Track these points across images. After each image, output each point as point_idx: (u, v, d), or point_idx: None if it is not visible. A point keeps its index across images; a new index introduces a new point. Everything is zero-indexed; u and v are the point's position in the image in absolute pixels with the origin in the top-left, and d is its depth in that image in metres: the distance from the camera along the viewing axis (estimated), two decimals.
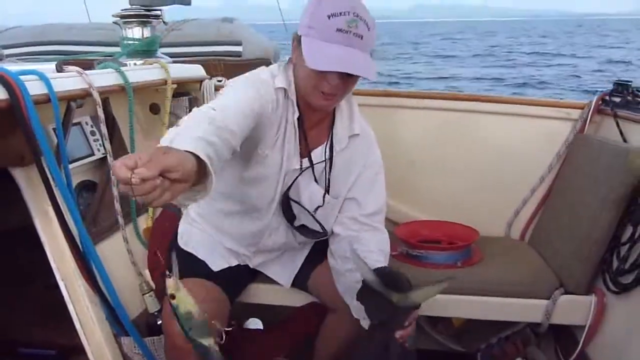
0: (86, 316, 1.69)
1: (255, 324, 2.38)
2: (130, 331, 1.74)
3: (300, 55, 1.37)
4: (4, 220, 2.23)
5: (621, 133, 2.02)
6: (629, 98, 2.11)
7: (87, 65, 1.87)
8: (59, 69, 1.60)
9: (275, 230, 1.68)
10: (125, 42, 2.26)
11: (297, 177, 1.58)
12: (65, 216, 1.60)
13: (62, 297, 1.67)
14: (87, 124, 1.86)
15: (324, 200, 1.62)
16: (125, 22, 2.24)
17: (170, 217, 2.04)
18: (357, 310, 1.54)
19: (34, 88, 1.42)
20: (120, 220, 1.83)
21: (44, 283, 1.77)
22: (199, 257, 1.74)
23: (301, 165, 1.57)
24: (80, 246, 1.63)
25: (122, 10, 2.25)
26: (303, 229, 1.66)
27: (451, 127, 2.41)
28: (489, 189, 2.39)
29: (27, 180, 1.59)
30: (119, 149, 1.94)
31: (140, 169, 0.81)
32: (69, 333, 1.71)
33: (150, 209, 2.14)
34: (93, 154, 1.87)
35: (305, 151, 1.57)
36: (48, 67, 1.59)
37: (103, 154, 1.88)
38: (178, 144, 0.97)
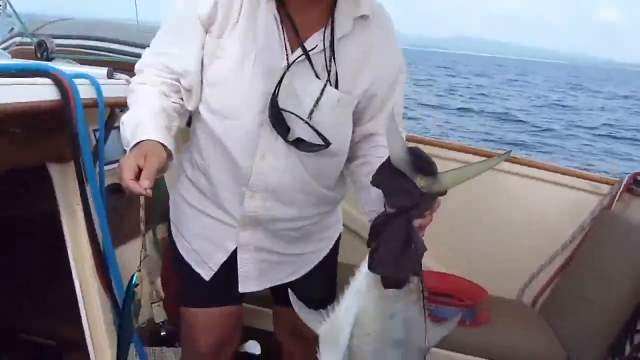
0: (94, 316, 1.72)
1: (252, 347, 2.35)
2: (134, 339, 1.76)
3: None
4: (27, 207, 2.28)
5: None
6: None
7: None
8: (110, 75, 1.65)
9: (270, 151, 1.36)
10: None
11: (283, 75, 1.29)
12: (93, 216, 1.64)
13: (71, 291, 1.69)
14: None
15: (321, 93, 1.31)
16: None
17: None
18: (369, 201, 1.33)
19: (85, 92, 1.47)
20: (143, 227, 1.86)
21: (56, 275, 1.80)
22: (191, 263, 1.60)
23: (288, 60, 1.30)
24: (101, 247, 1.67)
25: None
26: (299, 143, 1.33)
27: (478, 182, 2.41)
28: (507, 250, 2.39)
29: (61, 177, 1.63)
30: None
31: (147, 184, 1.14)
32: (72, 328, 1.73)
33: None
34: None
35: (294, 42, 1.31)
36: (100, 72, 1.64)
37: None
38: (150, 135, 1.24)
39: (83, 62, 2.81)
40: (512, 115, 20.35)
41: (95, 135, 1.69)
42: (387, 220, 1.13)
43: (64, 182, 1.64)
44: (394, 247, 1.10)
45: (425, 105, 20.67)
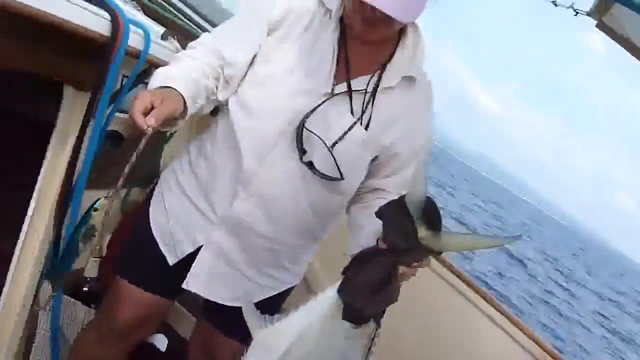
0: (34, 241, 1.68)
1: (159, 341, 2.31)
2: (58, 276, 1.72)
3: None
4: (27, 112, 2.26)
5: None
6: None
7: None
8: (164, 37, 1.68)
9: (281, 163, 1.39)
10: None
11: (324, 101, 1.35)
12: (81, 151, 1.64)
13: (23, 207, 1.66)
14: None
15: (349, 128, 1.36)
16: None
17: None
18: (361, 237, 1.34)
19: (134, 40, 1.50)
20: (121, 182, 1.85)
21: (19, 186, 1.76)
22: (159, 241, 1.58)
23: (332, 90, 1.36)
24: (73, 182, 1.65)
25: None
26: (311, 166, 1.37)
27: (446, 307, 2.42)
28: None
29: (72, 102, 1.63)
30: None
31: (152, 122, 1.16)
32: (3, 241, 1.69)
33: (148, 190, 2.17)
34: None
35: (342, 75, 1.38)
36: (157, 30, 1.67)
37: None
38: (176, 85, 1.29)
39: (150, 13, 2.87)
40: None
41: (122, 81, 1.70)
42: (375, 254, 1.14)
43: (72, 107, 1.64)
44: (372, 281, 1.11)
45: None
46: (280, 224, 1.45)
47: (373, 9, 1.23)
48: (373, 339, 1.15)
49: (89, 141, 1.64)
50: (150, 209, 1.62)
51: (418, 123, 1.45)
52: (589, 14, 2.07)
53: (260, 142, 1.39)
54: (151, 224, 1.60)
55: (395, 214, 1.12)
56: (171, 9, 4.10)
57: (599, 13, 2.02)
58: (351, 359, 1.14)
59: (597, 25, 2.08)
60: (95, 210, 1.50)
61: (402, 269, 1.12)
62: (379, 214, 1.16)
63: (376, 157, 1.44)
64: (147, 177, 2.17)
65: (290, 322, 1.19)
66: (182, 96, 1.27)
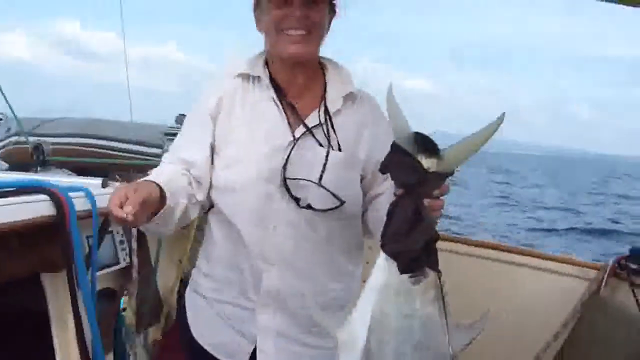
0: None
1: None
2: None
3: (260, 13, 1.45)
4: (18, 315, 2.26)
5: (638, 303, 2.03)
6: None
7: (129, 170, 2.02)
8: (104, 185, 1.72)
9: (281, 221, 1.43)
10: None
11: (292, 149, 1.42)
12: (83, 324, 1.65)
13: None
14: (118, 232, 1.95)
15: (326, 158, 1.42)
16: (168, 139, 2.42)
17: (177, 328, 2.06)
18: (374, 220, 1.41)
19: (80, 204, 1.53)
20: (133, 337, 1.86)
21: None
22: (220, 356, 1.56)
23: (294, 136, 1.44)
24: (90, 354, 1.66)
25: (168, 127, 2.44)
26: (311, 207, 1.41)
27: (467, 273, 2.45)
28: (501, 340, 2.36)
29: (53, 285, 1.65)
30: (145, 261, 2.01)
31: (129, 209, 1.16)
32: None
33: (163, 320, 2.17)
34: (118, 263, 1.94)
35: (295, 121, 1.46)
36: (95, 183, 1.71)
37: (127, 263, 1.95)
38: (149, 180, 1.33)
39: (79, 167, 2.92)
40: None
41: (89, 241, 1.73)
42: (397, 201, 1.13)
43: (55, 290, 1.65)
44: (402, 223, 1.10)
45: None
46: (312, 275, 1.47)
47: (292, 15, 1.36)
48: (441, 288, 1.13)
49: (87, 312, 1.65)
50: (194, 334, 1.60)
51: (379, 127, 1.51)
52: None
53: (253, 212, 1.43)
54: (204, 346, 1.57)
55: (395, 159, 1.13)
56: (97, 149, 4.16)
57: None
58: (430, 318, 1.12)
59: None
60: (124, 310, 1.68)
61: (426, 201, 1.12)
62: (382, 168, 1.17)
63: (363, 176, 1.50)
64: (155, 311, 2.19)
65: (360, 308, 1.15)
66: (156, 183, 1.32)
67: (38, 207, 1.40)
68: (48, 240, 1.51)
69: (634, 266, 2.19)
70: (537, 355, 2.33)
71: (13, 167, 2.67)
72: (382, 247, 1.13)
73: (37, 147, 2.84)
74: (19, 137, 3.70)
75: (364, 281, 1.62)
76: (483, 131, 1.11)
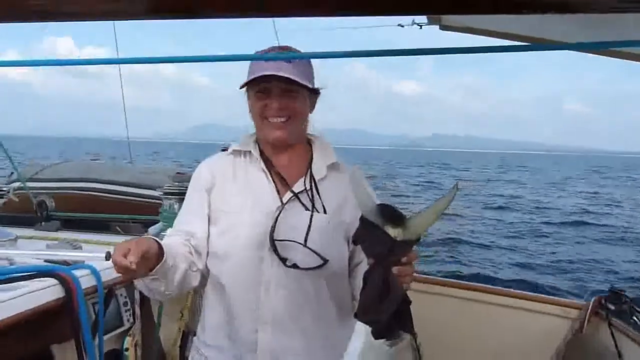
0: None
1: None
2: None
3: (249, 101, 1.58)
4: None
5: (616, 345, 2.13)
6: (625, 307, 2.25)
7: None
8: (108, 257, 1.83)
9: (273, 282, 1.54)
10: (164, 213, 2.54)
11: (279, 213, 1.54)
12: None
13: None
14: (122, 295, 2.06)
15: (310, 220, 1.54)
16: (165, 197, 2.53)
17: None
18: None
19: (86, 281, 1.65)
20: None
21: None
22: None
23: (281, 201, 1.56)
24: None
25: (166, 186, 2.55)
26: (296, 267, 1.52)
27: (455, 313, 2.56)
28: None
29: (62, 356, 1.75)
30: (148, 322, 2.12)
31: (132, 258, 1.28)
32: None
33: None
34: (122, 325, 2.04)
35: (283, 188, 1.59)
36: (99, 255, 1.82)
37: (131, 323, 2.06)
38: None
39: (84, 225, 3.02)
40: None
41: (94, 308, 1.84)
42: (368, 272, 1.21)
43: (64, 358, 1.76)
44: (373, 293, 1.18)
45: None
46: (307, 332, 1.57)
47: (271, 106, 1.51)
48: (417, 349, 1.22)
49: None
50: None
51: (362, 191, 1.64)
52: (429, 24, 2.28)
53: (247, 275, 1.54)
54: None
55: (363, 231, 1.20)
56: (109, 195, 4.23)
57: (436, 20, 2.24)
58: None
59: (440, 28, 2.30)
60: (127, 350, 1.84)
61: (395, 269, 1.19)
62: (354, 240, 1.25)
63: (348, 239, 1.59)
64: None
65: None
66: (155, 239, 1.43)
67: (49, 292, 1.51)
68: (58, 316, 1.62)
69: (612, 307, 2.30)
70: None
71: (17, 219, 2.78)
72: (355, 316, 1.21)
73: (41, 204, 2.95)
74: (20, 184, 3.79)
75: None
76: (441, 200, 1.19)
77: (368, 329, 1.21)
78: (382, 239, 1.16)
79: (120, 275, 1.75)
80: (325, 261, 1.52)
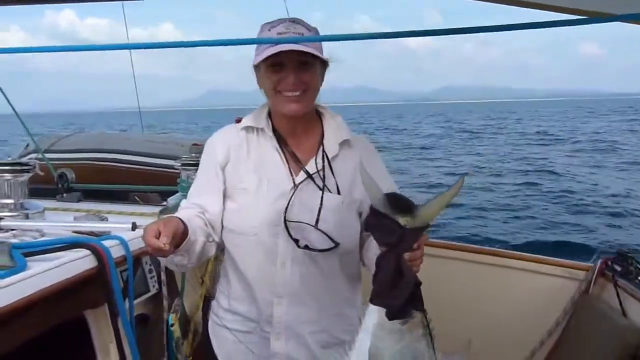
0: None
1: None
2: None
3: (260, 76, 1.59)
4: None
5: (621, 304, 2.22)
6: (631, 268, 2.33)
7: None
8: (134, 228, 1.92)
9: (289, 259, 1.60)
10: (183, 184, 2.62)
11: (292, 194, 1.58)
12: (125, 350, 1.87)
13: None
14: (146, 263, 2.16)
15: (321, 202, 1.58)
16: (183, 168, 2.60)
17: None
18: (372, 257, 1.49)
19: (116, 251, 1.74)
20: (182, 348, 2.10)
21: None
22: None
23: (294, 182, 1.60)
24: None
25: (184, 157, 2.62)
26: (308, 248, 1.58)
27: (463, 276, 2.66)
28: (497, 339, 2.57)
29: (96, 320, 1.87)
30: (172, 286, 2.23)
31: (165, 239, 1.34)
32: None
33: (191, 336, 2.40)
34: (149, 291, 2.15)
35: (296, 168, 1.62)
36: (125, 226, 1.90)
37: (157, 289, 2.17)
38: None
39: (103, 195, 3.12)
40: None
41: (122, 276, 1.94)
42: (380, 258, 1.28)
43: (98, 324, 1.87)
44: (386, 279, 1.25)
45: None
46: (321, 301, 1.65)
47: (287, 81, 1.52)
48: (427, 325, 1.29)
49: (127, 339, 1.87)
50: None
51: (372, 166, 1.61)
52: None
53: (263, 251, 1.60)
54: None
55: (374, 220, 1.24)
56: (114, 163, 4.31)
57: None
58: (421, 352, 1.27)
59: None
60: (172, 325, 2.04)
61: (407, 255, 1.25)
62: (365, 228, 1.33)
63: (360, 213, 1.65)
64: (184, 328, 2.41)
65: (357, 347, 1.29)
66: (179, 218, 1.51)
67: (83, 262, 1.61)
68: (91, 284, 1.72)
69: (618, 268, 2.38)
70: (533, 350, 2.54)
71: (38, 191, 2.86)
72: (371, 301, 1.28)
73: (62, 176, 3.03)
74: (38, 154, 3.86)
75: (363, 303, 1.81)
76: (450, 190, 1.26)
77: (381, 308, 1.27)
78: (392, 228, 1.22)
79: (144, 246, 1.86)
80: (337, 244, 1.57)
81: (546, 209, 11.51)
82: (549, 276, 2.57)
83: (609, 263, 2.44)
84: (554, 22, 0.83)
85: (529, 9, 1.69)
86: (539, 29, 0.81)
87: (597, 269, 2.45)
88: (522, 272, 2.61)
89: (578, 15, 1.52)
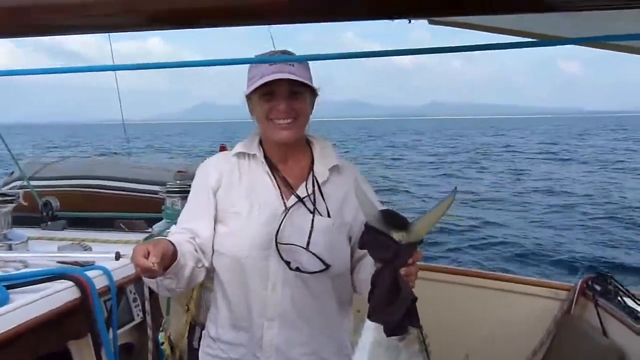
0: None
1: None
2: None
3: (253, 105, 1.63)
4: None
5: (601, 324, 2.25)
6: (610, 287, 2.37)
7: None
8: (117, 257, 1.93)
9: (279, 281, 1.61)
10: (168, 211, 2.63)
11: (284, 217, 1.61)
12: None
13: None
14: (131, 292, 2.17)
15: (312, 225, 1.61)
16: (168, 196, 2.62)
17: None
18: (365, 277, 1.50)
19: (99, 281, 1.75)
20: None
21: None
22: None
23: (285, 206, 1.63)
24: None
25: (169, 185, 2.64)
26: (299, 270, 1.59)
27: (451, 297, 2.68)
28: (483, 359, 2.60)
29: (79, 351, 1.86)
30: (157, 314, 2.23)
31: (154, 259, 1.34)
32: None
33: None
34: (133, 319, 2.15)
35: (287, 192, 1.65)
36: (108, 256, 1.91)
37: (141, 318, 2.17)
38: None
39: (88, 223, 3.11)
40: None
41: (106, 305, 1.94)
42: (376, 275, 1.29)
43: (82, 354, 1.86)
44: (383, 295, 1.26)
45: None
46: (312, 324, 1.66)
47: (278, 108, 1.56)
48: (423, 341, 1.29)
49: None
50: None
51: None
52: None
53: (254, 274, 1.61)
54: None
55: (369, 237, 1.26)
56: (101, 190, 4.30)
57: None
58: None
59: (429, 23, 2.36)
60: (162, 344, 2.06)
61: (402, 270, 1.26)
62: (360, 245, 1.32)
63: (350, 237, 1.68)
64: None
65: None
66: (169, 240, 1.52)
67: (67, 294, 1.62)
68: (74, 315, 1.72)
69: (598, 288, 2.42)
70: None
71: (23, 219, 2.85)
72: (369, 317, 1.29)
73: (46, 204, 3.03)
74: (22, 182, 3.84)
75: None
76: (441, 205, 1.29)
77: (378, 325, 1.28)
78: (387, 244, 1.23)
79: (128, 274, 1.87)
80: (327, 266, 1.59)
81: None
82: (532, 296, 2.60)
83: (590, 283, 2.47)
84: (510, 44, 0.90)
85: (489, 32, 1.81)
86: (498, 50, 0.88)
87: (577, 289, 2.49)
88: (506, 293, 2.64)
89: (530, 38, 1.61)
